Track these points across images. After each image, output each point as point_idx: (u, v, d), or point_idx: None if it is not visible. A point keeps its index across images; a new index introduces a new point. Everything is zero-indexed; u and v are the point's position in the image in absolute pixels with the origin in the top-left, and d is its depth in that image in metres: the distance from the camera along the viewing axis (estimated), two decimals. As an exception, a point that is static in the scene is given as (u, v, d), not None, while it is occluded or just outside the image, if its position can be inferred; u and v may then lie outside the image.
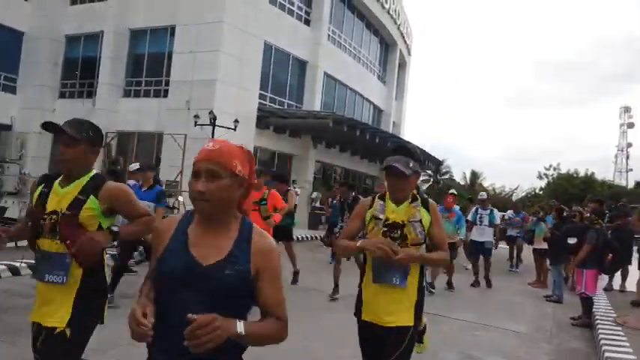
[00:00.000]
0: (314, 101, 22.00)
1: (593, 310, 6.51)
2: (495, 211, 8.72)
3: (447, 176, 43.67)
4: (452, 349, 4.92)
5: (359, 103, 27.68)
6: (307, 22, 22.11)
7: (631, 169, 51.75)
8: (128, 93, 20.18)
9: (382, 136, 21.88)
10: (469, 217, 8.63)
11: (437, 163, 33.00)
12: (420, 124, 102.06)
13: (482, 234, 8.30)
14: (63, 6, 21.80)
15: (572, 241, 6.32)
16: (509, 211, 11.96)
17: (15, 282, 6.24)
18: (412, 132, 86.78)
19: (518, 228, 11.20)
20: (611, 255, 6.48)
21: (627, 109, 55.08)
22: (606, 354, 4.75)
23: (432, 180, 42.39)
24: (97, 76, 20.15)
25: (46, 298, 2.31)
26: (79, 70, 21.66)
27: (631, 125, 54.38)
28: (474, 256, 8.72)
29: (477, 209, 8.66)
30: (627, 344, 5.10)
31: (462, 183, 42.56)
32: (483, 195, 8.90)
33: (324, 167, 23.41)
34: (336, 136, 21.40)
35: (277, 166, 20.87)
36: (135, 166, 7.26)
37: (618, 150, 53.99)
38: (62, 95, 22.01)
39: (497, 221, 8.81)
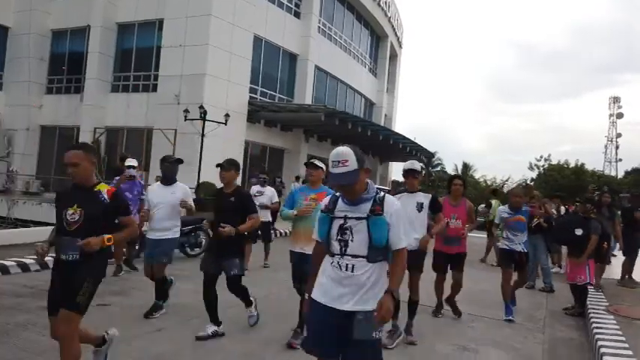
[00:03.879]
0: (305, 95, 21.90)
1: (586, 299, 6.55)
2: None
3: (438, 168, 43.83)
4: (447, 341, 4.91)
5: (350, 96, 27.61)
6: (297, 15, 21.95)
7: (620, 159, 52.39)
8: (116, 88, 19.95)
9: (374, 129, 21.85)
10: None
11: (428, 156, 33.07)
12: (411, 116, 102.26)
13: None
14: (48, 0, 21.46)
15: (579, 232, 6.31)
16: (501, 207, 6.52)
17: (3, 281, 6.13)
18: (404, 124, 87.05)
19: (519, 234, 5.95)
20: (605, 244, 6.59)
21: (616, 100, 55.55)
22: (599, 342, 4.77)
23: (423, 172, 42.53)
24: (85, 71, 19.91)
25: None
26: (66, 66, 21.39)
27: (620, 115, 54.86)
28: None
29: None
30: (620, 332, 5.13)
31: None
32: (414, 164, 4.68)
33: (316, 161, 23.33)
34: (327, 130, 21.34)
35: (269, 161, 20.78)
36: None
37: (608, 140, 54.49)
38: (49, 91, 21.72)
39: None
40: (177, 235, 5.24)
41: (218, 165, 4.59)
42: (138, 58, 19.62)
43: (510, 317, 5.89)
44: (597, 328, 5.28)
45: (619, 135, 54.19)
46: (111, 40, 19.88)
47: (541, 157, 39.70)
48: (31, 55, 21.04)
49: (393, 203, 2.54)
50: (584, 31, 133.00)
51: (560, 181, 33.92)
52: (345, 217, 2.52)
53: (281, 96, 21.61)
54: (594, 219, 6.44)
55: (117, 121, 19.31)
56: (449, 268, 5.70)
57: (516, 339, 5.19)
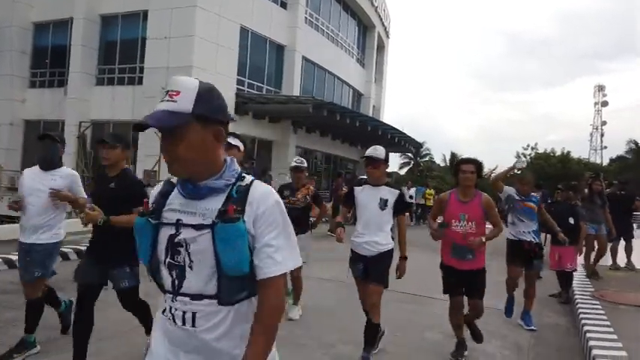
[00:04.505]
0: (293, 86, 21.79)
1: (572, 285, 6.68)
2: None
3: (426, 158, 44.04)
4: (437, 330, 4.96)
5: (338, 87, 27.53)
6: (284, 5, 21.76)
7: (606, 147, 52.95)
8: (101, 81, 19.67)
9: (362, 120, 21.84)
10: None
11: (416, 146, 33.19)
12: (399, 107, 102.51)
13: None
14: (29, -8, 21.01)
15: (572, 221, 6.40)
16: (508, 187, 5.39)
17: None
18: (392, 115, 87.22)
19: (527, 221, 5.21)
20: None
21: (601, 88, 56.07)
22: (585, 327, 4.86)
23: (412, 162, 42.70)
24: (68, 65, 19.57)
25: None
26: (49, 59, 21.00)
27: (605, 104, 55.37)
28: None
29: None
30: (605, 317, 5.23)
31: (442, 165, 43.05)
32: (376, 150, 4.10)
33: (304, 153, 23.30)
34: (316, 121, 21.27)
35: (258, 153, 20.70)
36: None
37: (593, 128, 55.08)
38: (32, 85, 21.34)
39: None
40: (59, 238, 3.87)
41: (99, 141, 3.50)
42: (122, 50, 19.32)
43: (509, 316, 5.48)
44: (583, 313, 5.37)
45: (604, 123, 54.77)
46: (94, 33, 19.53)
47: (528, 145, 40.15)
48: (13, 49, 20.61)
49: (265, 196, 1.40)
50: (570, 19, 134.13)
51: (547, 169, 34.34)
52: (178, 224, 1.38)
53: (269, 87, 21.47)
54: (579, 206, 6.60)
55: (102, 114, 19.04)
56: (464, 290, 4.26)
57: (505, 326, 5.27)
